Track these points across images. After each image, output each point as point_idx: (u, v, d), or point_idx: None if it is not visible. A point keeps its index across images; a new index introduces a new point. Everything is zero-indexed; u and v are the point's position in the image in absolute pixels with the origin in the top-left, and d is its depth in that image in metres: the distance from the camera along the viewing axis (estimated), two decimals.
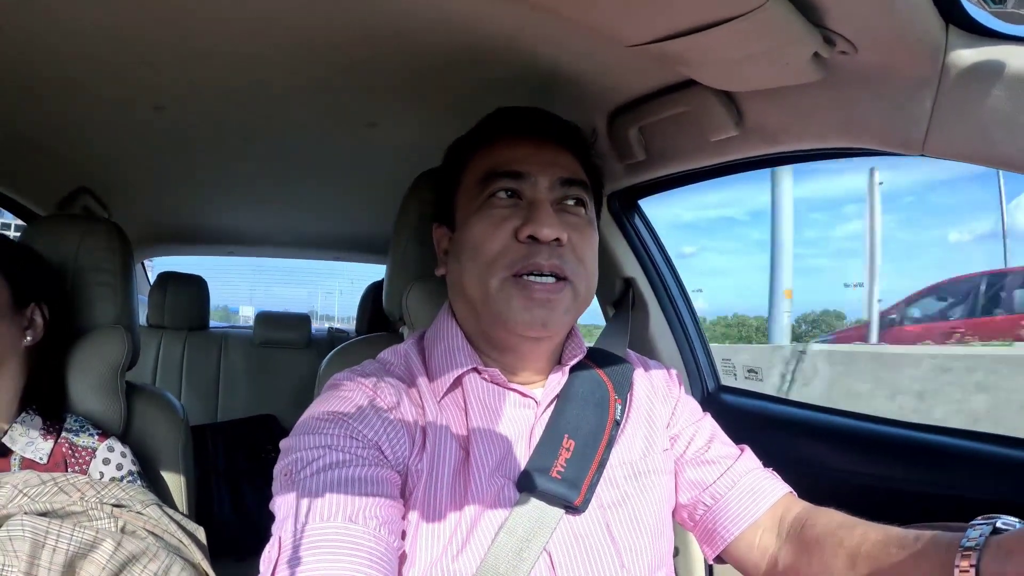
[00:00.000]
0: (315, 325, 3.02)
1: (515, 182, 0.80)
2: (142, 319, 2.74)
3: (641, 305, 1.40)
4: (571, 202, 0.82)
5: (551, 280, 0.77)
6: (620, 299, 1.40)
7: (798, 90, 0.83)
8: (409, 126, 1.33)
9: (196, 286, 2.74)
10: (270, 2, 0.86)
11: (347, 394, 0.74)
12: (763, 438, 1.22)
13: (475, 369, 0.81)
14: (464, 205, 0.84)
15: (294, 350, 2.79)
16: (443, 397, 0.79)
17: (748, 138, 0.98)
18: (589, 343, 0.93)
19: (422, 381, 0.80)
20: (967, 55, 0.67)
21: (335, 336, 2.95)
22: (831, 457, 1.14)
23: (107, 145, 1.54)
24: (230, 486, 2.37)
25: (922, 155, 0.77)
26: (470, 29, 0.90)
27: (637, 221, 1.43)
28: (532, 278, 0.76)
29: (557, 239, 0.77)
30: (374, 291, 2.80)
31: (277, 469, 0.69)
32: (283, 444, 0.71)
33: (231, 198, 2.14)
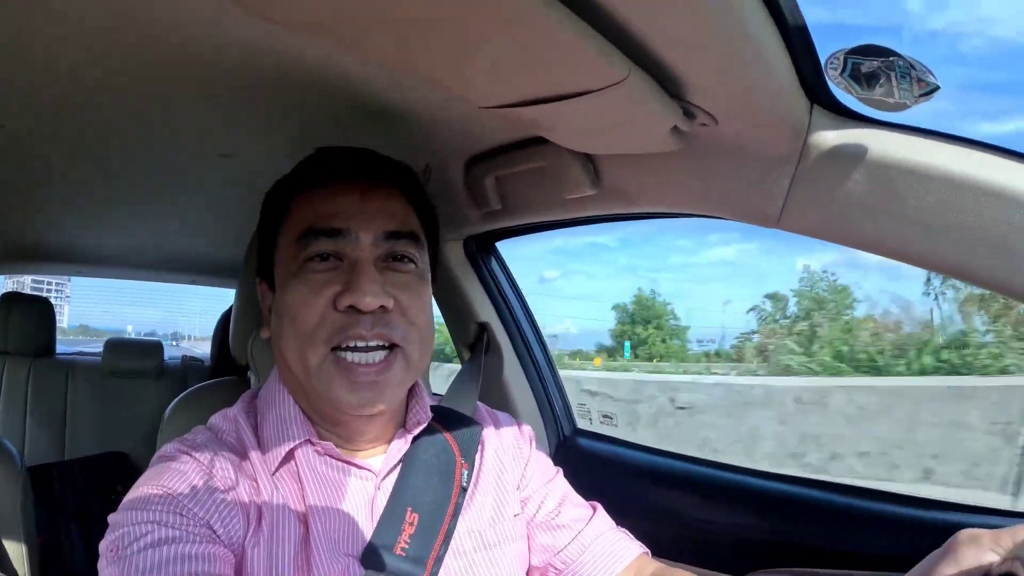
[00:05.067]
0: (185, 344, 2.66)
1: (333, 242, 0.67)
2: None
3: (495, 350, 1.30)
4: (398, 258, 0.70)
5: (378, 356, 0.66)
6: (474, 344, 1.29)
7: (657, 157, 0.75)
8: (265, 157, 1.15)
9: (42, 308, 2.37)
10: (104, 31, 0.69)
11: (177, 467, 0.64)
12: (618, 483, 1.17)
13: (309, 441, 0.68)
14: (281, 265, 0.71)
15: (145, 380, 2.46)
16: (276, 471, 0.67)
17: (605, 197, 0.89)
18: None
19: (254, 452, 0.69)
20: (829, 136, 0.62)
21: (188, 365, 2.64)
22: (682, 503, 1.10)
23: None
24: (81, 529, 2.05)
25: (777, 229, 0.72)
26: (320, 68, 0.76)
27: (494, 264, 1.33)
28: (355, 356, 0.65)
29: (382, 306, 0.65)
30: (224, 322, 2.50)
31: (103, 546, 0.60)
32: (111, 519, 0.61)
33: (77, 217, 1.84)
